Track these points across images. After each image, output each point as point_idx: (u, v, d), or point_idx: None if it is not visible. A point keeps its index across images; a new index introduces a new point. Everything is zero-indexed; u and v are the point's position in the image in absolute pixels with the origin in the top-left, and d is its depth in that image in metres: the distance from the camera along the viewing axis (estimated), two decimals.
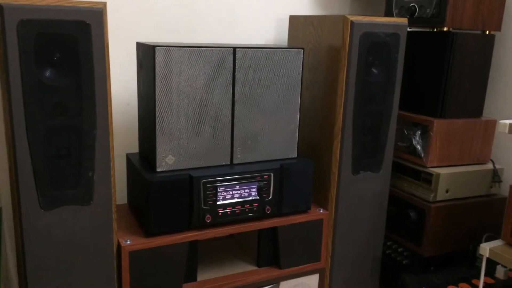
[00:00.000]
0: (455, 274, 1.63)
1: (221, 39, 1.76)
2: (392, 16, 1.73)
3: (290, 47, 1.44)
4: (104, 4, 1.11)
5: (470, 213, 1.68)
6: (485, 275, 1.48)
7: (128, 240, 1.26)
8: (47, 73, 1.08)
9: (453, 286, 1.56)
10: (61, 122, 1.11)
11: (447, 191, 1.61)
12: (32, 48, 1.05)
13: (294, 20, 1.69)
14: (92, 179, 1.17)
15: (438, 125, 1.59)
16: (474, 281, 1.58)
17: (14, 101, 1.06)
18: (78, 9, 1.08)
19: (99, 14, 1.10)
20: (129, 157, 1.46)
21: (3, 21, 1.02)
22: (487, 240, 1.58)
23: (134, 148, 1.55)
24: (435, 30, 1.63)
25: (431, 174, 1.59)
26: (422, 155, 1.63)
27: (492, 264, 1.51)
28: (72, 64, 1.10)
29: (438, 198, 1.60)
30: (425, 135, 1.62)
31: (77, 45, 1.09)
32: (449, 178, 1.60)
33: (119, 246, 1.25)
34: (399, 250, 1.72)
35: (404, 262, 1.70)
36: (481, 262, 1.51)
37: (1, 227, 1.43)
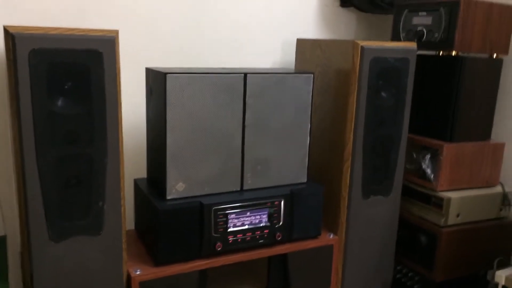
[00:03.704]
0: None
1: (228, 62, 1.75)
2: (399, 39, 1.73)
3: (300, 71, 1.43)
4: (117, 32, 1.11)
5: (481, 237, 1.67)
6: None
7: (138, 270, 1.24)
8: (59, 102, 1.07)
9: None
10: (72, 151, 1.10)
11: (458, 215, 1.60)
12: (43, 77, 1.04)
13: (302, 43, 1.68)
14: (102, 209, 1.15)
15: (448, 149, 1.58)
16: None
17: (25, 129, 1.04)
18: (90, 37, 1.07)
19: (111, 42, 1.09)
20: (137, 183, 1.44)
21: (15, 51, 1.01)
22: (499, 264, 1.56)
23: (141, 172, 1.53)
24: (442, 53, 1.63)
25: (442, 199, 1.58)
26: (432, 178, 1.61)
27: None
28: (83, 93, 1.09)
29: (450, 223, 1.58)
30: (434, 159, 1.61)
31: (89, 74, 1.08)
32: (460, 202, 1.59)
33: (128, 276, 1.22)
34: (410, 274, 1.70)
35: (415, 287, 1.68)
36: (493, 287, 1.49)
37: (6, 256, 1.40)
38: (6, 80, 1.08)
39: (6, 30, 1.01)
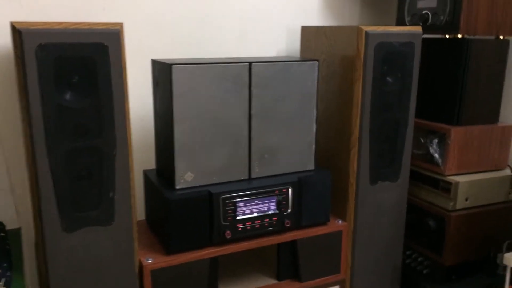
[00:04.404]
0: (477, 282, 1.61)
1: (232, 50, 1.76)
2: (404, 23, 1.72)
3: (304, 59, 1.43)
4: (121, 25, 1.12)
5: (490, 221, 1.66)
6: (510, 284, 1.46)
7: (150, 259, 1.26)
8: (67, 96, 1.08)
9: None
10: (82, 144, 1.11)
11: (466, 199, 1.60)
12: (51, 71, 1.05)
13: (306, 31, 1.68)
14: (113, 200, 1.17)
15: (456, 133, 1.58)
16: None
17: (35, 124, 1.06)
18: (95, 31, 1.08)
19: (116, 35, 1.11)
20: (146, 174, 1.46)
21: (22, 46, 1.02)
22: (508, 247, 1.56)
23: (149, 163, 1.55)
24: (447, 36, 1.62)
25: (450, 183, 1.58)
26: (440, 163, 1.61)
27: None
28: (91, 86, 1.10)
29: (458, 207, 1.58)
30: (442, 143, 1.61)
31: (95, 67, 1.09)
32: (468, 186, 1.59)
33: (140, 265, 1.25)
34: (419, 259, 1.71)
35: (424, 271, 1.69)
36: (502, 270, 1.49)
37: (21, 247, 1.43)
38: (14, 75, 1.09)
39: (13, 26, 1.03)
